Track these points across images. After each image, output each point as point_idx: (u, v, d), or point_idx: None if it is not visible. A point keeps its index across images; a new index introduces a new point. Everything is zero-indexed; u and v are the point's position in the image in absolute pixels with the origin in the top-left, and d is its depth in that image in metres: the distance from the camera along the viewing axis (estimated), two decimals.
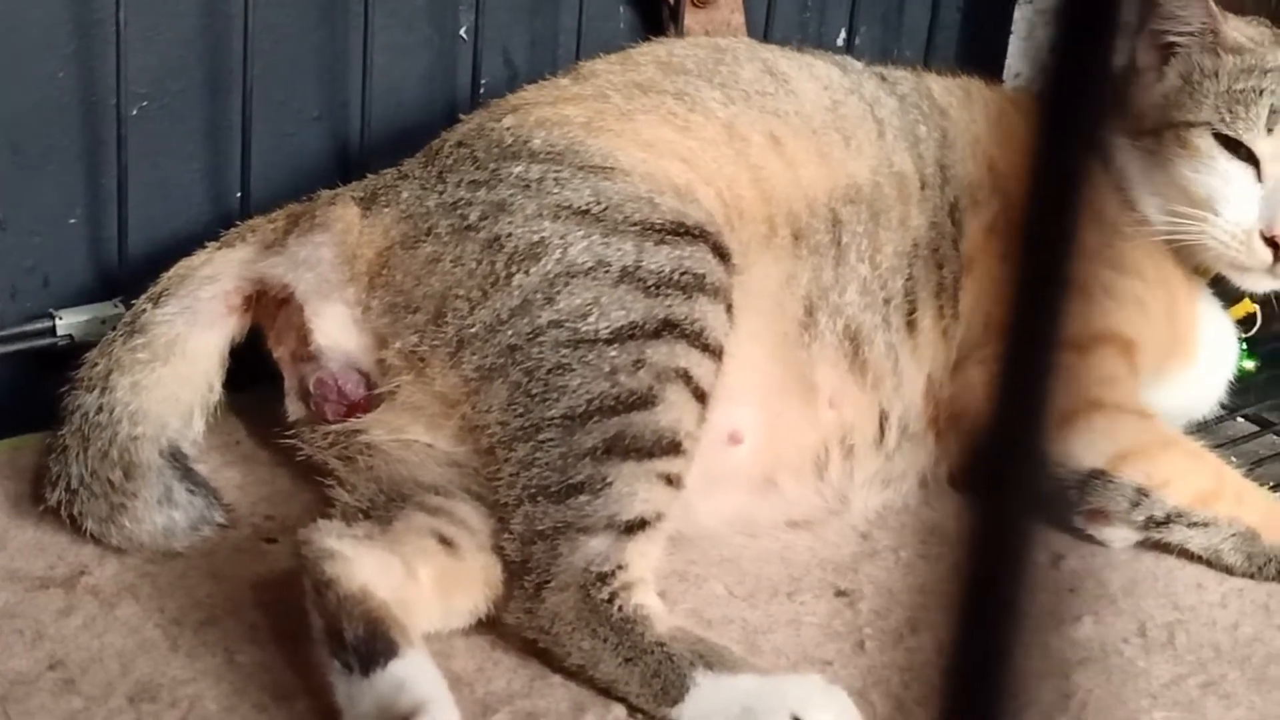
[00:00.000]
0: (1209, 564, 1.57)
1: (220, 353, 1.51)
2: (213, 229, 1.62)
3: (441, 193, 1.48)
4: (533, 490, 1.35)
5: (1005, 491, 0.52)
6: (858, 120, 1.64)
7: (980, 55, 2.19)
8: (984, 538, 0.52)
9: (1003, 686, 0.52)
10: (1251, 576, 1.56)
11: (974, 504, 0.53)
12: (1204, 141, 1.62)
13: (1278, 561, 1.55)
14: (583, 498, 1.33)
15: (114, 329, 1.52)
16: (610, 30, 1.96)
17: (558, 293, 1.40)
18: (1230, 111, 1.62)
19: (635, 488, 1.34)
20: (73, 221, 1.70)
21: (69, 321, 1.67)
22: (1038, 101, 0.49)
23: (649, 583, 1.35)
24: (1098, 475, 1.55)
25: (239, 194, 1.76)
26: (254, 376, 1.55)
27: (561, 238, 1.42)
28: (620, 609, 1.31)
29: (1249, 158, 1.61)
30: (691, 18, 1.95)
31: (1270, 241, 1.60)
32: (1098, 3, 0.47)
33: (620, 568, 1.32)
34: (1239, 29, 1.67)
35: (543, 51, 1.93)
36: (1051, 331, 0.49)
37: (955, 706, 0.54)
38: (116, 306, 1.66)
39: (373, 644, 1.23)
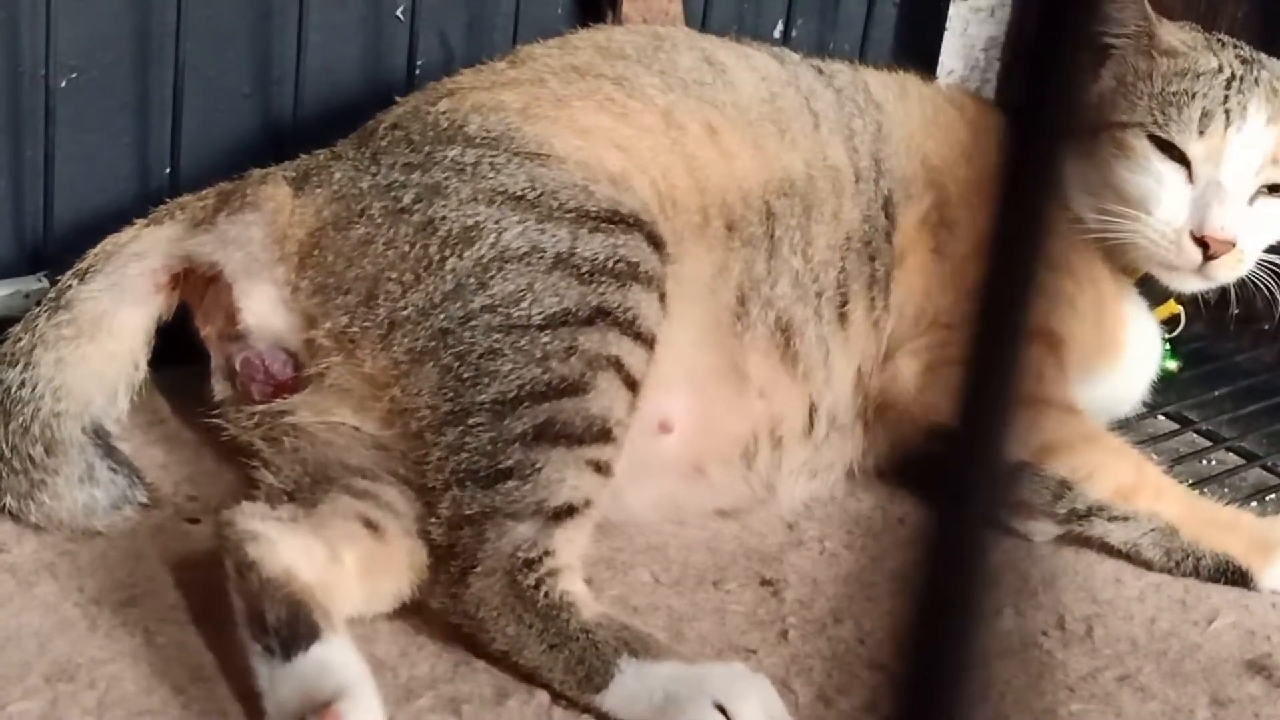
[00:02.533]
0: (1128, 558, 1.59)
1: (146, 330, 1.49)
2: (141, 205, 1.60)
3: (375, 174, 1.47)
4: (461, 475, 1.34)
5: (966, 495, 0.52)
6: (794, 113, 1.65)
7: (915, 51, 2.20)
8: (943, 540, 0.52)
9: (957, 686, 0.52)
10: (1169, 571, 1.58)
11: (933, 507, 0.53)
12: (1139, 142, 1.64)
13: (1195, 557, 1.57)
14: (511, 483, 1.33)
15: (38, 304, 1.50)
16: (548, 15, 1.95)
17: (491, 278, 1.39)
18: (1163, 114, 1.64)
19: (564, 474, 1.34)
20: None
21: None
22: (1008, 110, 0.50)
23: (575, 569, 1.35)
24: (1022, 467, 1.56)
25: (168, 170, 1.74)
26: (181, 355, 1.54)
27: (496, 223, 1.41)
28: (546, 595, 1.31)
29: (1181, 159, 1.63)
30: (629, 5, 1.95)
31: (1200, 241, 1.63)
32: (1068, 14, 0.47)
33: (547, 554, 1.32)
34: (1172, 33, 1.69)
35: (479, 35, 1.92)
36: (1015, 346, 0.49)
37: (906, 707, 0.54)
38: (41, 281, 1.64)
39: (295, 627, 1.22)
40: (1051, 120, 0.48)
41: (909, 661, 0.52)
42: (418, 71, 1.84)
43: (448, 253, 1.40)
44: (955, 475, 0.52)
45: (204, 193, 1.56)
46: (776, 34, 2.17)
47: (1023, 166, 0.48)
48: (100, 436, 1.46)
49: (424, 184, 1.45)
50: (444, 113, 1.52)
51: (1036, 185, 0.48)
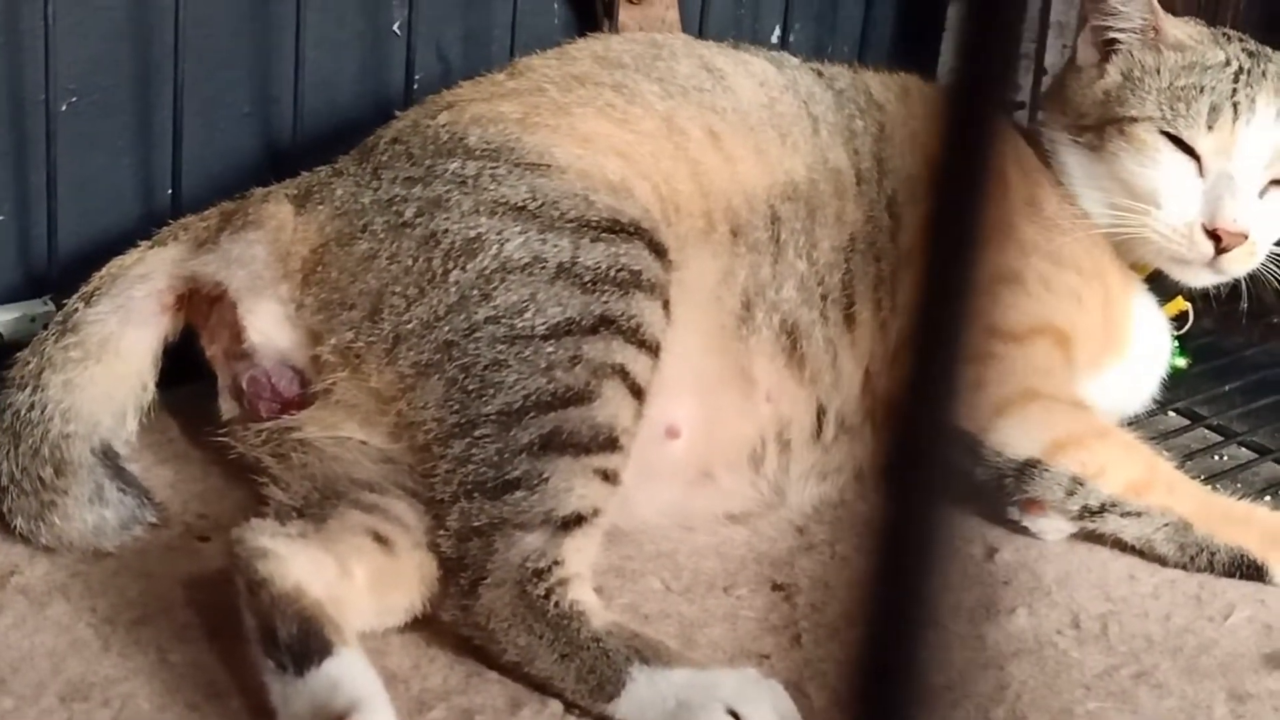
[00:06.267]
0: (1142, 555, 1.58)
1: (153, 351, 1.50)
2: (143, 226, 1.60)
3: (377, 189, 1.48)
4: (469, 486, 1.34)
5: (914, 475, 0.52)
6: (793, 117, 1.65)
7: (914, 53, 2.20)
8: (893, 523, 0.52)
9: (910, 683, 0.52)
10: (1183, 567, 1.57)
11: (884, 489, 0.53)
12: (1149, 136, 1.64)
13: (1209, 552, 1.56)
14: (519, 493, 1.33)
15: (45, 327, 1.50)
16: (544, 26, 1.95)
17: (494, 289, 1.39)
18: (1172, 108, 1.63)
19: (572, 483, 1.34)
20: (1, 219, 1.68)
21: None
22: (945, 82, 0.50)
23: (585, 578, 1.35)
24: (1033, 464, 1.56)
25: (170, 191, 1.74)
26: (188, 374, 1.54)
27: (498, 234, 1.41)
28: (556, 605, 1.30)
29: (1190, 153, 1.63)
30: (626, 14, 1.95)
31: (1212, 234, 1.62)
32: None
33: (556, 563, 1.32)
34: (1178, 27, 1.69)
35: (476, 47, 1.92)
36: (959, 317, 0.49)
37: (864, 706, 0.54)
38: (46, 304, 1.65)
39: (306, 643, 1.22)
40: (988, 92, 0.48)
41: (864, 629, 0.52)
42: (416, 86, 1.84)
43: (450, 265, 1.40)
44: (903, 441, 0.52)
45: (206, 213, 1.56)
46: (774, 39, 2.17)
47: (962, 140, 0.48)
48: (109, 457, 1.47)
49: (425, 198, 1.45)
50: (444, 126, 1.53)
51: (975, 159, 0.48)
